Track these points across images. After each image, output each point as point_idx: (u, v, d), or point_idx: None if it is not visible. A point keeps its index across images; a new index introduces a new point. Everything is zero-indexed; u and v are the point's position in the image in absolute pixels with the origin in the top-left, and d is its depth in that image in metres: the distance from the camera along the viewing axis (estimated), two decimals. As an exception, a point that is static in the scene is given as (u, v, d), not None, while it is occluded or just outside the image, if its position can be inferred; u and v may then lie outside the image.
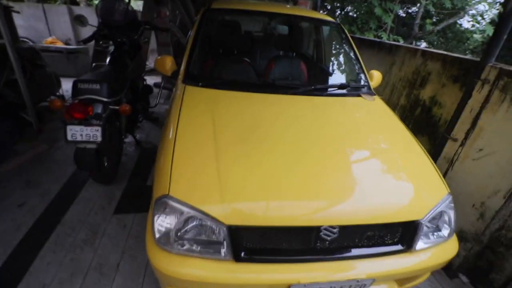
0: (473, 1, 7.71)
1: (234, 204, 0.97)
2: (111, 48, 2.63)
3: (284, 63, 2.04)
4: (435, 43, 11.17)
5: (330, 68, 2.07)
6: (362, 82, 1.86)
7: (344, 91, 1.72)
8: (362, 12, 5.16)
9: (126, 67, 2.39)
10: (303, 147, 1.24)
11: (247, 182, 1.04)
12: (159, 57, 1.83)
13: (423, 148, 1.40)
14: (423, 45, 10.45)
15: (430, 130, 2.02)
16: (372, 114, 1.60)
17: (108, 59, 2.48)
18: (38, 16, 5.83)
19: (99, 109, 1.75)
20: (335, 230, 1.03)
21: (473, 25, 10.24)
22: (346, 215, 1.04)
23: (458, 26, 11.40)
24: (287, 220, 0.99)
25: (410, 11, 10.61)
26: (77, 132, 1.66)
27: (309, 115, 1.50)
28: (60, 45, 5.35)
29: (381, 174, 1.22)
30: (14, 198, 1.97)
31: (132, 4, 3.37)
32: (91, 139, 1.68)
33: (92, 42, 2.67)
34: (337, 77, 1.95)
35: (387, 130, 1.48)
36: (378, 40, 3.00)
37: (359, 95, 1.72)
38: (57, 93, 3.50)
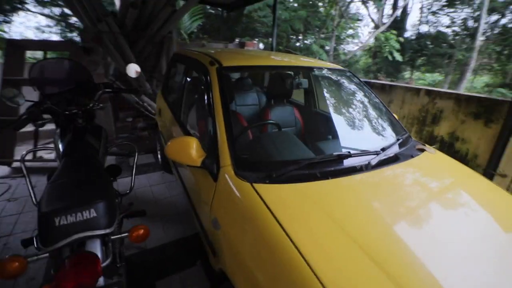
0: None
1: None
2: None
3: (325, 125, 1.77)
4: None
5: (365, 124, 1.88)
6: (403, 134, 1.73)
7: (407, 150, 1.54)
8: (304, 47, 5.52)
9: (96, 154, 1.64)
10: (448, 238, 0.98)
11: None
12: (172, 141, 1.28)
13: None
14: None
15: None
16: (456, 172, 1.45)
17: (60, 146, 1.66)
18: None
19: (98, 249, 1.02)
20: None
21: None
22: None
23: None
24: None
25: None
26: None
27: (411, 195, 1.20)
28: None
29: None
30: None
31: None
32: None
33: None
34: (380, 134, 1.77)
35: (488, 188, 1.34)
36: (364, 80, 3.10)
37: (422, 150, 1.57)
38: None
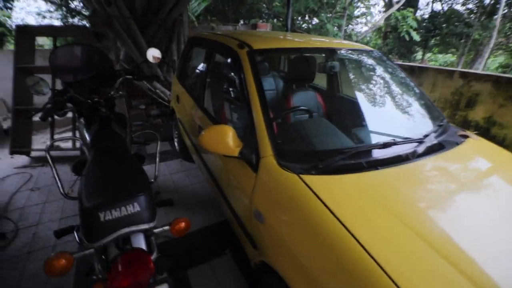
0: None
1: None
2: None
3: (352, 111, 1.69)
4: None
5: (399, 109, 1.78)
6: (442, 119, 1.64)
7: (450, 137, 1.46)
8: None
9: (124, 143, 1.60)
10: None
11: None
12: (206, 131, 1.22)
13: None
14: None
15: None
16: (508, 159, 1.38)
17: (87, 136, 1.62)
18: None
19: (143, 244, 1.00)
20: None
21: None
22: None
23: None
24: None
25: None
26: None
27: (468, 185, 1.13)
28: None
29: None
30: None
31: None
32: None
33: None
34: (417, 120, 1.67)
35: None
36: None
37: (465, 137, 1.49)
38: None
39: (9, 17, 8.72)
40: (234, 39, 1.66)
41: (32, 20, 13.14)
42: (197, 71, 2.41)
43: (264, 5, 11.19)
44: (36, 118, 1.53)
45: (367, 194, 0.97)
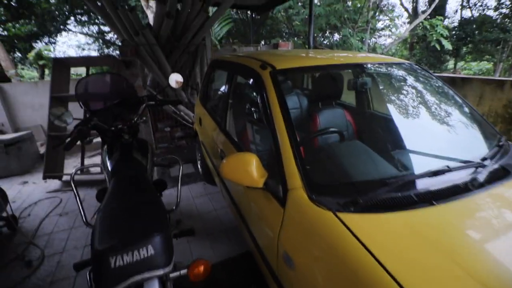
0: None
1: None
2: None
3: (389, 130, 1.52)
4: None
5: (445, 127, 1.56)
6: (499, 138, 1.39)
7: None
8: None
9: (144, 171, 1.54)
10: None
11: None
12: (228, 159, 1.11)
13: None
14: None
15: None
16: None
17: (108, 164, 1.60)
18: None
19: None
20: None
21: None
22: None
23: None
24: None
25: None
26: None
27: None
28: (-13, 134, 3.99)
29: None
30: None
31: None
32: None
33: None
34: (468, 140, 1.44)
35: None
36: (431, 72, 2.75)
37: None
38: (4, 214, 2.31)
39: (50, 51, 9.70)
40: (256, 60, 1.59)
41: (72, 52, 14.53)
42: (219, 93, 2.37)
43: (284, 25, 11.40)
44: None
45: (425, 240, 0.79)
